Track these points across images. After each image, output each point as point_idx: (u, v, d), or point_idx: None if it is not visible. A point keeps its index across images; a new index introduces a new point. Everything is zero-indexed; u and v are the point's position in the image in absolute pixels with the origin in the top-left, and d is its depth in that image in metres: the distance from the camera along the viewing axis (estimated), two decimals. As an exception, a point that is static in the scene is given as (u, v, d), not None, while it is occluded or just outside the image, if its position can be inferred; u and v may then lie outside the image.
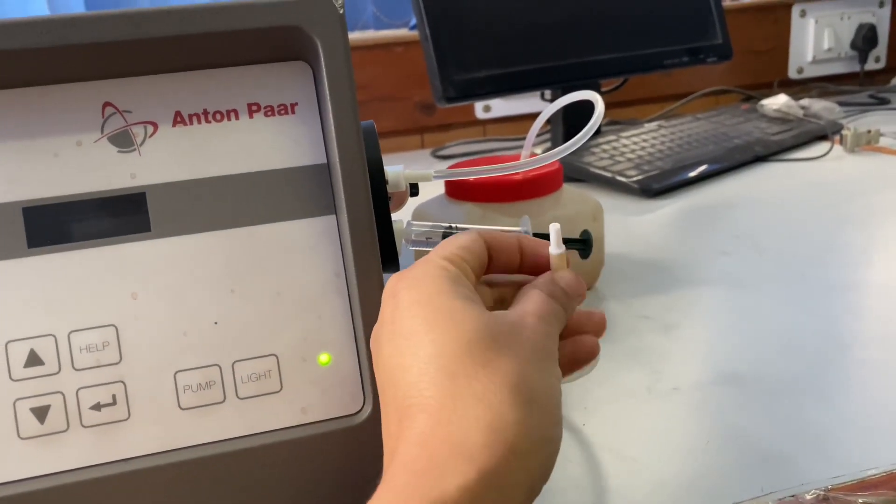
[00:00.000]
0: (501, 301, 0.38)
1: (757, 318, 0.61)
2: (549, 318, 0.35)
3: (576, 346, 0.39)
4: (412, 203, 0.54)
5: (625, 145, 1.11)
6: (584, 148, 1.08)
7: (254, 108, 0.39)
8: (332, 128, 0.38)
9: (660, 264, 0.74)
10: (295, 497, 0.38)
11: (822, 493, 0.40)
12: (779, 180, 1.02)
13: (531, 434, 0.30)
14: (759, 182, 1.02)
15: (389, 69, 1.36)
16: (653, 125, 1.20)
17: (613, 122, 1.39)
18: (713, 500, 0.40)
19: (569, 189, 0.66)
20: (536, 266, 0.39)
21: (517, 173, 0.60)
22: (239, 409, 0.38)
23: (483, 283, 0.39)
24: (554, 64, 1.09)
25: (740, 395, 0.50)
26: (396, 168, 0.44)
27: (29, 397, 0.36)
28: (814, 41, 1.58)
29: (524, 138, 0.58)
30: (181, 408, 0.37)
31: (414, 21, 1.33)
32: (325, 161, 0.40)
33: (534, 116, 0.58)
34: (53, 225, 0.37)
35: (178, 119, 0.38)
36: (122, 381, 0.37)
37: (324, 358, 0.39)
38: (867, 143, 1.11)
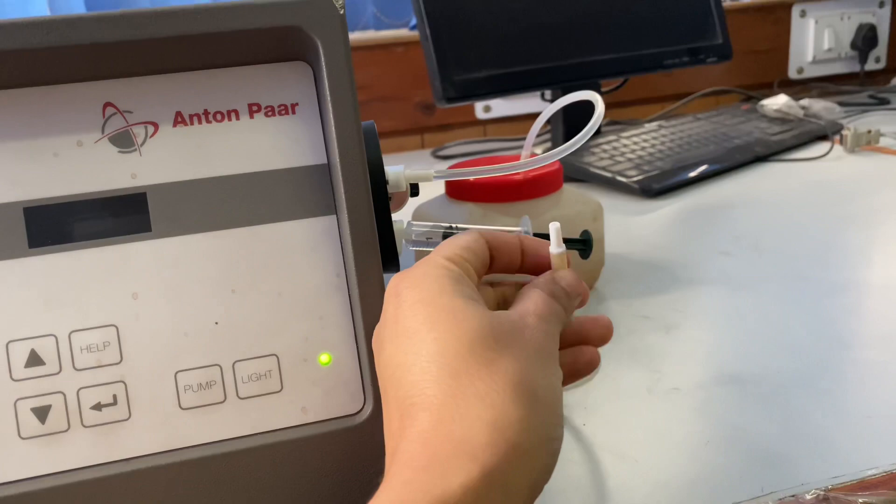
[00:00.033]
0: (504, 301, 0.39)
1: (757, 319, 0.61)
2: (549, 317, 0.35)
3: (575, 356, 0.39)
4: (412, 203, 0.54)
5: (625, 145, 1.11)
6: (585, 148, 1.08)
7: (254, 108, 0.39)
8: (333, 128, 0.38)
9: (660, 264, 0.74)
10: (295, 497, 0.38)
11: (822, 493, 0.40)
12: (779, 180, 1.02)
13: (533, 433, 0.30)
14: (759, 182, 1.02)
15: (389, 69, 1.36)
16: (653, 125, 1.20)
17: (613, 122, 1.39)
18: (713, 500, 0.40)
19: (569, 189, 0.66)
20: (537, 266, 0.39)
21: (517, 173, 0.60)
22: (239, 409, 0.38)
23: (485, 282, 0.39)
24: (554, 64, 1.09)
25: (740, 395, 0.50)
26: (397, 168, 0.44)
27: (30, 397, 0.36)
28: (814, 41, 1.58)
29: (524, 138, 0.58)
30: (182, 408, 0.37)
31: (414, 21, 1.33)
32: (325, 161, 0.40)
33: (534, 116, 0.58)
34: (54, 225, 0.37)
35: (179, 119, 0.39)
36: (122, 381, 0.37)
37: (324, 358, 0.39)
38: (867, 143, 1.11)
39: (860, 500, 0.39)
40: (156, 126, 0.38)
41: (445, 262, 0.35)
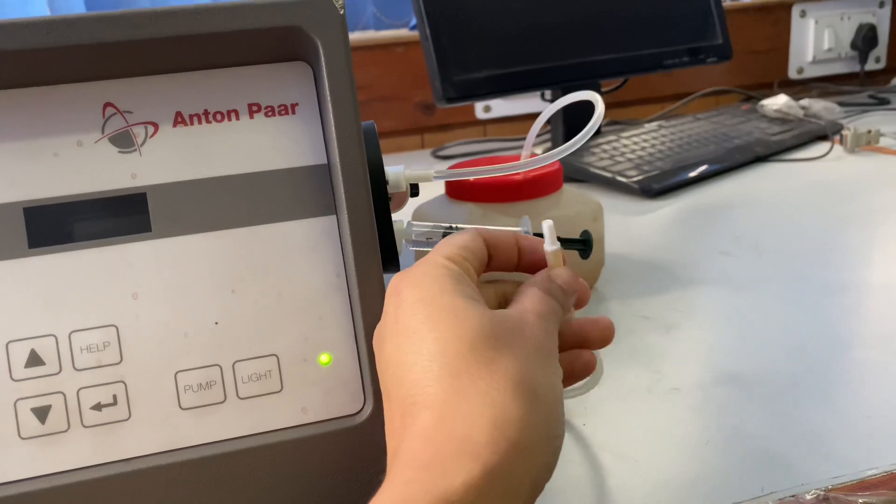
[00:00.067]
0: (504, 299, 0.39)
1: (757, 319, 0.61)
2: (547, 315, 0.35)
3: (572, 359, 0.39)
4: (413, 203, 0.54)
5: (625, 145, 1.11)
6: (585, 148, 1.08)
7: (254, 108, 0.39)
8: (333, 128, 0.38)
9: (660, 264, 0.74)
10: (295, 497, 0.38)
11: (822, 493, 0.40)
12: (779, 180, 1.02)
13: (535, 430, 0.30)
14: (759, 182, 1.02)
15: (390, 69, 1.36)
16: (653, 125, 1.20)
17: (613, 122, 1.40)
18: (713, 500, 0.40)
19: (569, 189, 0.66)
20: (534, 264, 0.39)
21: (517, 173, 0.60)
22: (239, 409, 0.38)
23: (483, 281, 0.39)
24: (554, 64, 1.09)
25: (740, 396, 0.50)
26: (397, 168, 0.44)
27: (30, 397, 0.36)
28: (814, 41, 1.58)
29: (524, 138, 0.58)
30: (182, 408, 0.37)
31: (414, 21, 1.33)
32: (325, 161, 0.40)
33: (534, 116, 0.58)
34: (54, 225, 0.37)
35: (179, 119, 0.39)
36: (122, 381, 0.37)
37: (324, 358, 0.39)
38: (867, 143, 1.11)
39: (860, 501, 0.39)
40: (156, 126, 0.38)
41: (446, 262, 0.35)
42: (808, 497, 0.39)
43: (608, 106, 1.30)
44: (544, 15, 1.09)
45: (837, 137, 1.14)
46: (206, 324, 0.38)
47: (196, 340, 0.38)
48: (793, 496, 0.40)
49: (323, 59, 0.38)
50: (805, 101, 1.29)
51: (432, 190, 0.64)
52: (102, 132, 0.38)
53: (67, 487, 0.35)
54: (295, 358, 0.38)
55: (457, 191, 0.64)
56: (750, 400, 0.49)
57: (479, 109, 1.42)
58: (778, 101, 1.26)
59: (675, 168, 1.03)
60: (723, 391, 0.51)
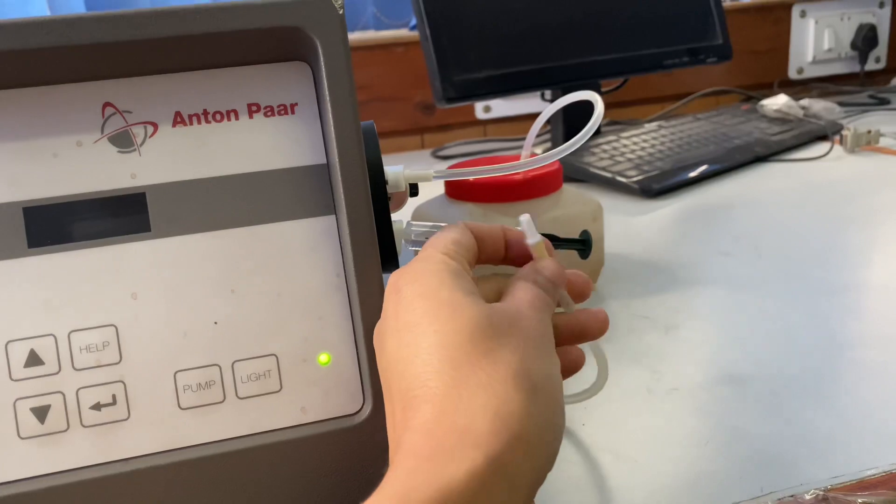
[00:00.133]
0: (498, 294, 0.39)
1: (757, 319, 0.61)
2: (540, 305, 0.35)
3: (561, 355, 0.39)
4: (412, 203, 0.54)
5: (625, 145, 1.11)
6: (584, 148, 1.08)
7: (254, 108, 0.39)
8: (332, 128, 0.38)
9: (660, 265, 0.74)
10: (294, 497, 0.38)
11: (821, 493, 0.40)
12: (779, 180, 1.02)
13: (536, 421, 0.30)
14: (759, 182, 1.02)
15: (389, 69, 1.36)
16: (653, 125, 1.20)
17: (613, 122, 1.40)
18: (713, 501, 0.40)
19: (569, 189, 0.66)
20: (522, 256, 0.40)
21: (517, 173, 0.60)
22: (239, 409, 0.38)
23: (476, 276, 0.39)
24: (554, 64, 1.09)
25: (740, 396, 0.50)
26: (396, 168, 0.44)
27: (29, 397, 0.36)
28: (814, 41, 1.58)
29: (524, 138, 0.58)
30: (181, 408, 0.37)
31: (414, 21, 1.33)
32: (324, 161, 0.40)
33: (534, 117, 0.58)
34: (54, 225, 0.37)
35: (178, 119, 0.39)
36: (122, 381, 0.37)
37: (323, 358, 0.39)
38: (867, 143, 1.11)
39: (859, 501, 0.39)
40: (155, 126, 0.38)
41: (443, 257, 0.36)
42: (808, 497, 0.39)
43: (608, 106, 1.31)
44: (544, 15, 1.09)
45: (837, 137, 1.14)
46: (206, 323, 0.38)
47: (195, 340, 0.38)
48: (792, 496, 0.40)
49: (322, 59, 0.38)
50: (805, 102, 1.29)
51: (432, 190, 0.64)
52: (102, 132, 0.38)
53: (67, 487, 0.35)
54: (294, 358, 0.38)
55: (456, 191, 0.64)
56: (749, 400, 0.49)
57: (479, 109, 1.42)
58: (778, 102, 1.26)
59: (675, 168, 1.03)
60: (722, 391, 0.51)
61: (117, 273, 0.37)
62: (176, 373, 0.37)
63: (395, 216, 0.44)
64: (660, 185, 0.98)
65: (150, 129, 0.38)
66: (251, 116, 0.39)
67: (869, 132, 1.11)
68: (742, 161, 1.08)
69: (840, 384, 0.51)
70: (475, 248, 0.38)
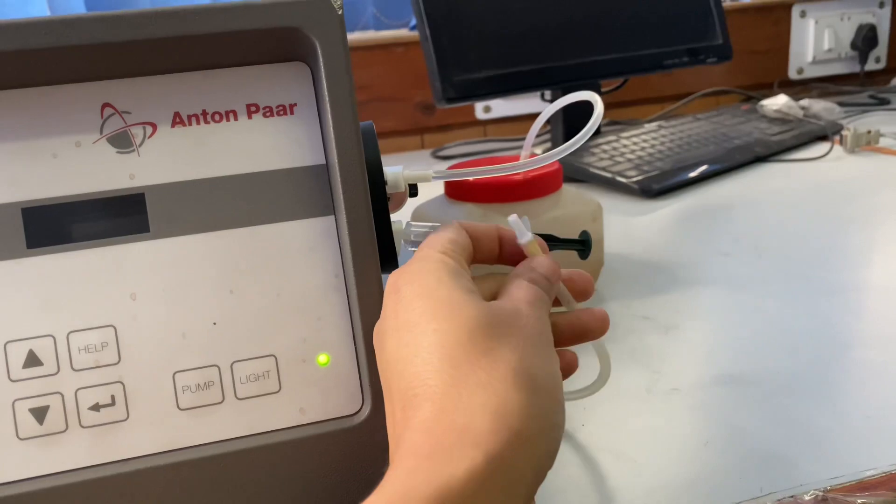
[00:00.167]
0: (495, 293, 0.39)
1: (757, 319, 0.61)
2: (537, 303, 0.35)
3: None
4: (412, 203, 0.54)
5: (625, 146, 1.11)
6: (584, 148, 1.08)
7: (252, 108, 0.39)
8: (331, 129, 0.38)
9: (660, 265, 0.74)
10: (294, 498, 0.38)
11: (820, 493, 0.40)
12: (779, 181, 1.02)
13: (536, 419, 0.30)
14: (759, 182, 1.02)
15: (389, 69, 1.36)
16: (653, 125, 1.20)
17: (613, 122, 1.39)
18: (712, 501, 0.40)
19: (568, 189, 0.66)
20: (515, 254, 0.40)
21: (517, 174, 0.60)
22: (238, 410, 0.38)
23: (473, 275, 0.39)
24: (554, 64, 1.09)
25: (740, 396, 0.50)
26: (395, 169, 0.44)
27: (28, 398, 0.36)
28: (814, 42, 1.58)
29: (524, 138, 0.58)
30: (180, 408, 0.37)
31: (414, 21, 1.33)
32: (323, 162, 0.40)
33: (534, 117, 0.58)
34: (52, 225, 0.37)
35: (177, 120, 0.38)
36: (120, 382, 0.37)
37: (323, 358, 0.39)
38: (867, 143, 1.11)
39: (859, 501, 0.39)
40: (154, 126, 0.38)
41: (441, 256, 0.36)
42: (807, 498, 0.39)
43: (608, 106, 1.30)
44: (544, 15, 1.09)
45: (837, 138, 1.14)
46: (205, 324, 0.38)
47: (194, 341, 0.38)
48: (791, 497, 0.40)
49: (321, 59, 0.38)
50: (805, 102, 1.29)
51: (432, 190, 0.64)
52: (101, 132, 0.38)
53: (65, 488, 0.35)
54: (293, 358, 0.38)
55: (456, 191, 0.64)
56: (749, 400, 0.49)
57: (479, 110, 1.42)
58: (778, 102, 1.26)
59: (675, 168, 1.03)
60: (722, 391, 0.51)
61: (116, 273, 0.37)
62: (175, 373, 0.37)
63: (394, 216, 0.44)
64: (660, 185, 0.98)
65: (149, 129, 0.38)
66: (250, 117, 0.39)
67: (869, 132, 1.11)
68: (742, 161, 1.08)
69: (840, 384, 0.51)
70: (471, 247, 0.38)
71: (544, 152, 0.45)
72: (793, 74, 1.60)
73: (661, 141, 1.13)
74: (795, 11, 1.57)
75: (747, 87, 1.50)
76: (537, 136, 0.58)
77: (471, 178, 0.61)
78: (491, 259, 0.40)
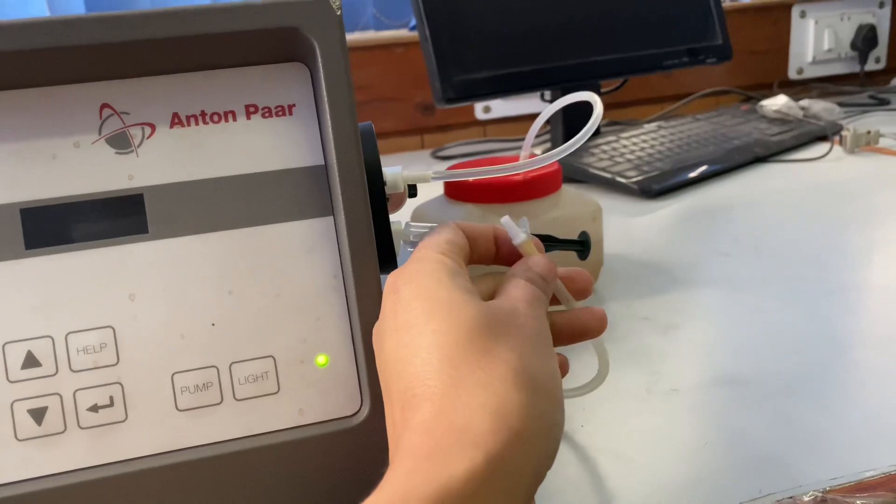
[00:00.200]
0: (493, 293, 0.39)
1: (756, 320, 0.61)
2: (535, 302, 0.35)
3: None
4: (411, 204, 0.54)
5: (624, 146, 1.11)
6: (584, 149, 1.08)
7: (251, 109, 0.39)
8: (330, 129, 0.38)
9: (659, 265, 0.74)
10: (292, 499, 0.38)
11: (820, 494, 0.40)
12: (778, 181, 1.02)
13: (535, 418, 0.30)
14: (758, 183, 1.02)
15: (389, 70, 1.36)
16: (652, 126, 1.20)
17: (613, 122, 1.39)
18: (711, 501, 0.40)
19: (568, 190, 0.66)
20: (512, 254, 0.40)
21: (516, 174, 0.60)
22: (236, 411, 0.38)
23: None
24: (553, 65, 1.09)
25: (739, 397, 0.50)
26: (394, 169, 0.44)
27: (26, 399, 0.36)
28: (814, 42, 1.58)
29: (524, 139, 0.58)
30: (178, 409, 0.37)
31: (414, 21, 1.33)
32: (322, 162, 0.40)
33: (533, 117, 0.58)
34: (51, 226, 0.37)
35: (176, 120, 0.38)
36: (119, 383, 0.37)
37: (321, 359, 0.39)
38: (867, 143, 1.11)
39: (858, 502, 0.39)
40: (153, 127, 0.38)
41: (439, 256, 0.36)
42: (806, 498, 0.39)
43: (608, 106, 1.30)
44: (544, 15, 1.09)
45: (837, 138, 1.13)
46: (203, 325, 0.38)
47: (193, 342, 0.37)
48: (791, 497, 0.40)
49: (320, 60, 0.38)
50: (805, 102, 1.29)
51: (431, 191, 0.64)
52: (99, 133, 0.38)
53: (64, 489, 0.35)
54: (292, 359, 0.38)
55: (456, 191, 0.64)
56: (749, 401, 0.49)
57: (479, 110, 1.42)
58: (777, 102, 1.26)
59: (675, 169, 1.03)
60: (722, 392, 0.51)
61: (115, 274, 0.37)
62: (173, 374, 0.37)
63: (393, 217, 0.43)
64: (659, 185, 0.98)
65: (148, 130, 0.38)
66: (249, 118, 0.39)
67: (869, 132, 1.11)
68: (742, 161, 1.08)
69: (839, 385, 0.51)
70: (467, 247, 0.39)
71: (544, 153, 0.45)
72: (792, 75, 1.60)
73: (660, 141, 1.13)
74: (795, 11, 1.57)
75: (747, 88, 1.50)
76: (537, 136, 0.58)
77: (470, 179, 0.61)
78: (488, 259, 0.40)
